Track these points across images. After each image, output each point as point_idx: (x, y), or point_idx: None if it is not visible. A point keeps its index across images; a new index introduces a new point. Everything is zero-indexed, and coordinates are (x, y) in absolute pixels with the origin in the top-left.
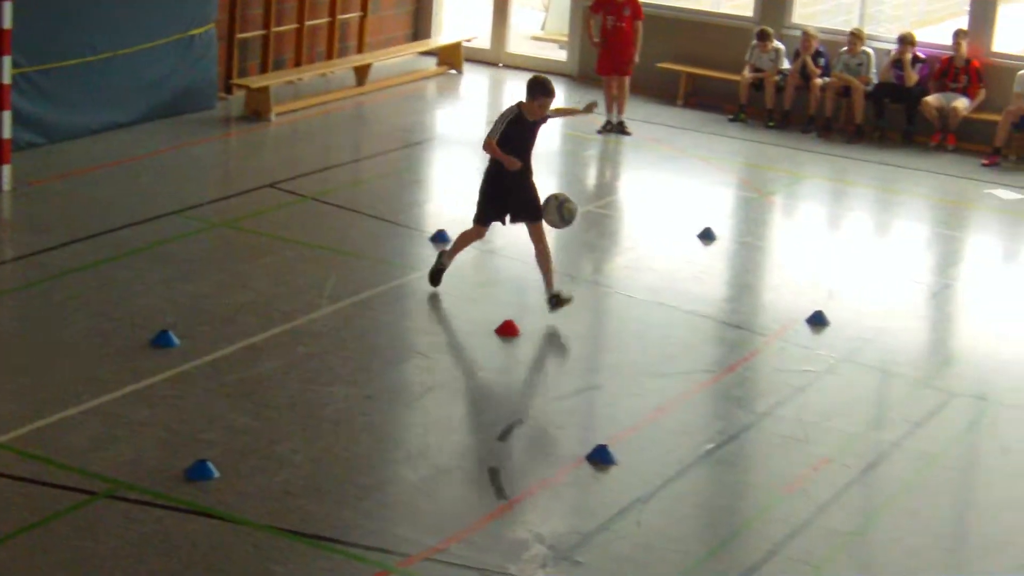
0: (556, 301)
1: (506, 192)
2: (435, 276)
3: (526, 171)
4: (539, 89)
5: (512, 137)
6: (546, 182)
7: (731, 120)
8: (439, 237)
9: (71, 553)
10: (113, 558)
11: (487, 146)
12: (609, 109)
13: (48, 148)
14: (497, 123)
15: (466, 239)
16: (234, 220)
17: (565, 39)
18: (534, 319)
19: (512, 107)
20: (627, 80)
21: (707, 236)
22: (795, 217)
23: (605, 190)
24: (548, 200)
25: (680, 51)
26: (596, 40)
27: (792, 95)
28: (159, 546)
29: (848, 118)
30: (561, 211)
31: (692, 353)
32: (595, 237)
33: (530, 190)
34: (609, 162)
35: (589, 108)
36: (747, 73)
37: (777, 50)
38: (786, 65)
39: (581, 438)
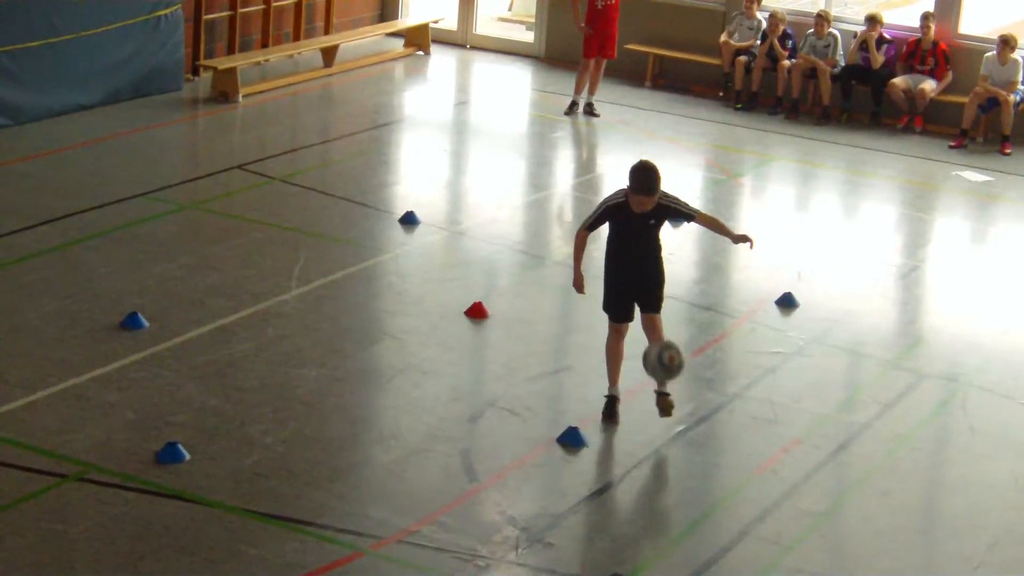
0: (663, 404)
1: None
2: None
3: (641, 270)
4: (633, 181)
5: (618, 227)
6: (515, 164)
7: (738, 109)
8: (408, 219)
9: (41, 535)
10: (84, 540)
11: (576, 235)
12: (578, 91)
13: (14, 130)
14: (597, 207)
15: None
16: (202, 202)
17: (532, 20)
18: (503, 301)
19: (619, 191)
20: (605, 62)
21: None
22: (763, 199)
23: (574, 172)
24: (649, 352)
25: (649, 32)
26: (583, 24)
27: (759, 77)
28: (130, 528)
29: (815, 100)
30: (662, 360)
31: None
32: (567, 218)
33: (648, 281)
34: (578, 144)
35: (743, 239)
36: (729, 40)
37: (759, 22)
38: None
39: (552, 420)
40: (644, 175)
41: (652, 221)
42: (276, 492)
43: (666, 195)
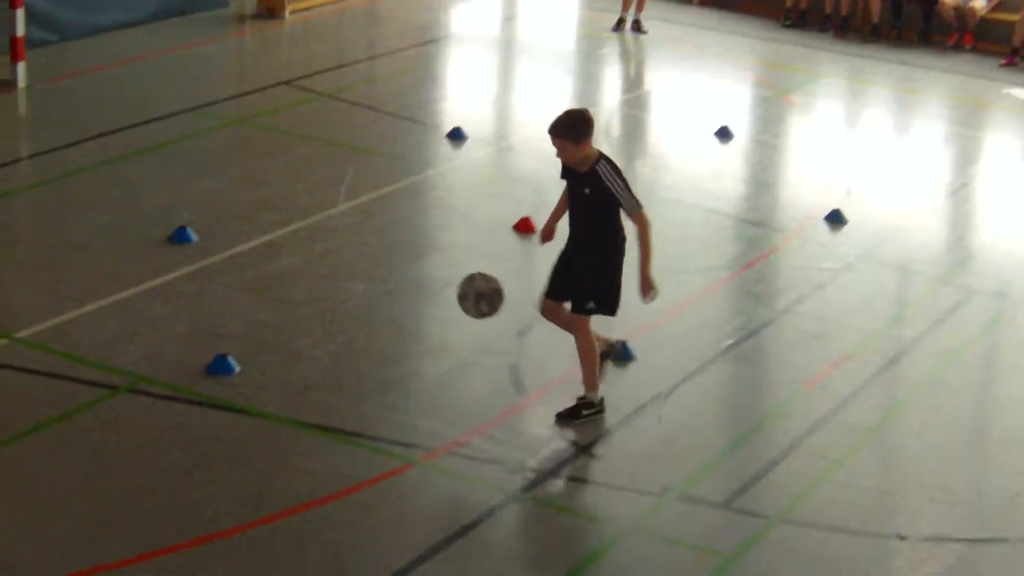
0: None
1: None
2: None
3: (578, 247)
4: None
5: (568, 186)
6: (562, 81)
7: (787, 26)
8: (455, 134)
9: (93, 447)
10: (135, 451)
11: None
12: (626, 7)
13: (60, 46)
14: None
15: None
16: (249, 118)
17: None
18: None
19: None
20: None
21: (724, 135)
22: (812, 116)
23: (622, 89)
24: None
25: None
26: None
27: None
28: (181, 440)
29: (865, 17)
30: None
31: (711, 250)
32: (615, 135)
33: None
34: (625, 61)
35: (647, 287)
36: None
37: None
38: None
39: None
40: (562, 114)
41: (587, 190)
42: (326, 404)
43: (609, 170)
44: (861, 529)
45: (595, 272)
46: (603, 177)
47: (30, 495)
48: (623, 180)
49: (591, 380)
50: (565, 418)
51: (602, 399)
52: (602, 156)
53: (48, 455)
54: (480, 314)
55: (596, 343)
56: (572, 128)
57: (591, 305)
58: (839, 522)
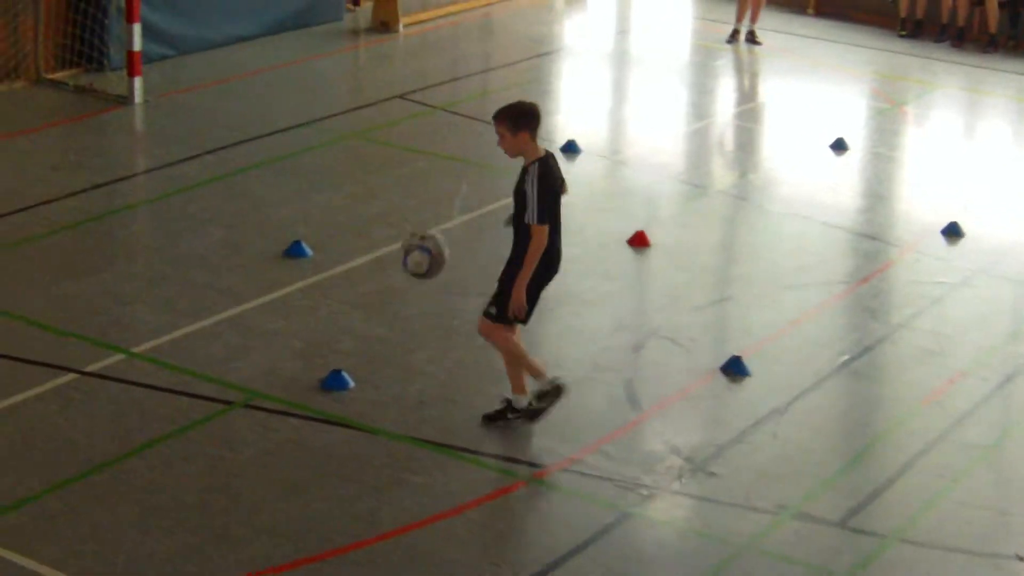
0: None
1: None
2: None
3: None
4: None
5: None
6: (676, 93)
7: (902, 36)
8: (569, 147)
9: (208, 461)
10: (249, 466)
11: None
12: (740, 19)
13: (175, 60)
14: None
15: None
16: (364, 131)
17: None
18: (665, 231)
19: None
20: None
21: (839, 146)
22: (928, 127)
23: (736, 102)
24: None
25: None
26: None
27: (924, 3)
28: (295, 455)
29: (981, 27)
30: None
31: (826, 264)
32: (729, 148)
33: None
34: (739, 73)
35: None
36: None
37: None
38: None
39: (715, 350)
40: (511, 103)
41: (517, 188)
42: (440, 420)
43: (536, 173)
44: (979, 549)
45: (504, 276)
46: (527, 177)
47: (145, 509)
48: (543, 187)
49: (517, 383)
50: (490, 420)
51: (533, 404)
52: (543, 159)
53: (164, 469)
54: (417, 264)
55: (518, 346)
56: (511, 117)
57: (492, 310)
58: (956, 542)
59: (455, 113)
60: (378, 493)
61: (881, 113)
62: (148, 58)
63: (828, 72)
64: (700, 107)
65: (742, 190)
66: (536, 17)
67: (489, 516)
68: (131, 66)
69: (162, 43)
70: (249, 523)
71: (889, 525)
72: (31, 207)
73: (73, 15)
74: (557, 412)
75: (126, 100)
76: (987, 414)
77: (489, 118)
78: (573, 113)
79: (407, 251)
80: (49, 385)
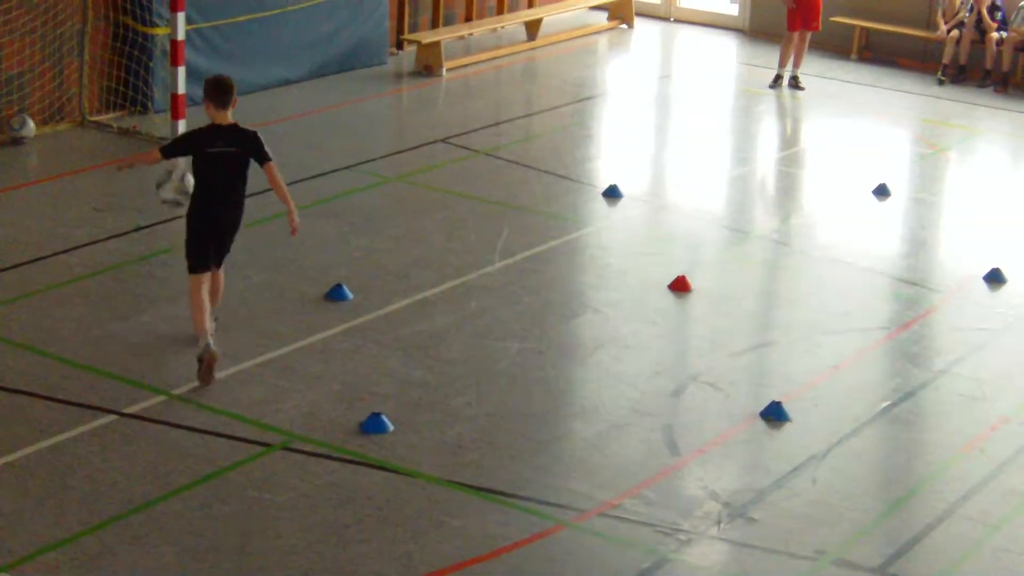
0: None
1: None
2: None
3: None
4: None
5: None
6: (719, 138)
7: (941, 82)
8: (611, 192)
9: (247, 503)
10: (288, 509)
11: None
12: (783, 64)
13: None
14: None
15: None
16: (407, 175)
17: None
18: (706, 276)
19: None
20: (809, 34)
21: (882, 192)
22: (971, 173)
23: (778, 147)
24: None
25: (855, 4)
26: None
27: (968, 49)
28: (334, 498)
29: None
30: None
31: (867, 310)
32: (771, 193)
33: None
34: (782, 118)
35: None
36: (941, 23)
37: None
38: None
39: (755, 395)
40: (214, 80)
41: (234, 149)
42: (479, 464)
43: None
44: None
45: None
46: (248, 136)
47: (183, 551)
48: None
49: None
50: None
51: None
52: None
53: (203, 511)
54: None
55: (194, 295)
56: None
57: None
58: None
59: (497, 157)
60: (416, 536)
61: (924, 158)
62: (192, 101)
63: (871, 117)
64: (742, 152)
65: (784, 235)
66: (579, 61)
67: (526, 560)
68: (175, 109)
69: None
70: (286, 565)
71: (929, 572)
72: (74, 248)
73: (118, 58)
74: (596, 456)
75: None
76: None
77: (532, 163)
78: (615, 158)
79: (159, 184)
80: (88, 426)
